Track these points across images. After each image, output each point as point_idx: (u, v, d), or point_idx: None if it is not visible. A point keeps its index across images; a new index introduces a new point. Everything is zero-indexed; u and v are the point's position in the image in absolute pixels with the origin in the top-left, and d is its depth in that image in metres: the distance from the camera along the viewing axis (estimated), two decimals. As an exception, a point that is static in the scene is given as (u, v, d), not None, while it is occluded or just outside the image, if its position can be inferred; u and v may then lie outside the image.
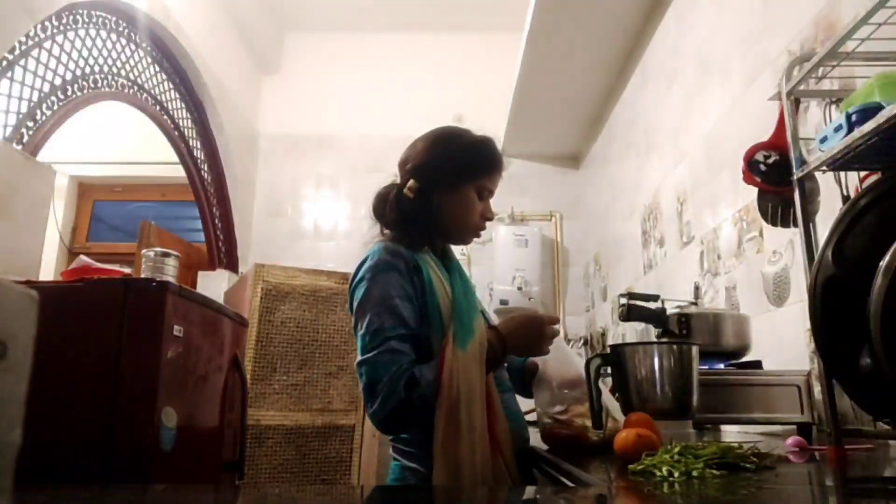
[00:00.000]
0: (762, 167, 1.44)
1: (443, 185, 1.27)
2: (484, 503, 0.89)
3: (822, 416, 1.22)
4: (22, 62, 2.36)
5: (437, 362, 1.10)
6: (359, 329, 1.14)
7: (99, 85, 2.86)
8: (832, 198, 1.27)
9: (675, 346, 1.20)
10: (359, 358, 1.12)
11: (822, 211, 1.36)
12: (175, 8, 3.34)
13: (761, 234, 1.91)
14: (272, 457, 2.81)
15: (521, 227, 4.40)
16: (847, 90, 1.28)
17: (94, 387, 1.54)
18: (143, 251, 2.09)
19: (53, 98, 2.53)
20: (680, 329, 1.58)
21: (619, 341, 3.21)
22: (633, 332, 3.08)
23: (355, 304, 1.17)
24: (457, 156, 1.28)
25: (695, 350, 1.20)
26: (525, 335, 1.21)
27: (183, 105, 3.67)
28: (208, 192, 3.92)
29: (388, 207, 1.28)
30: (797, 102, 1.35)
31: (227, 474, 2.05)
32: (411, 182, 1.27)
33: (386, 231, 1.29)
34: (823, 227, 1.06)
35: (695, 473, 0.77)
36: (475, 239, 1.34)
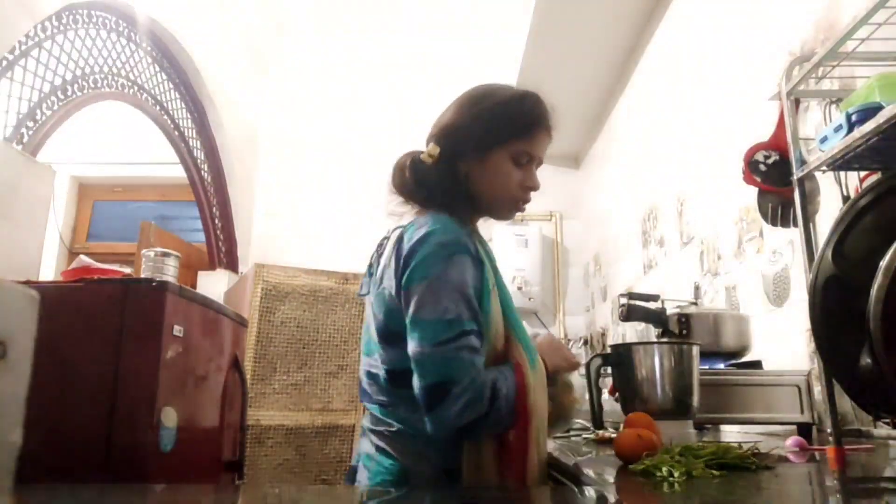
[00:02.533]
0: (762, 167, 1.44)
1: (469, 153, 1.08)
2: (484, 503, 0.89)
3: (822, 416, 1.22)
4: (22, 62, 2.36)
5: (514, 378, 0.96)
6: (424, 312, 0.93)
7: (99, 85, 2.86)
8: (832, 198, 1.27)
9: (675, 346, 1.20)
10: (425, 347, 0.92)
11: (822, 211, 1.36)
12: (175, 8, 3.34)
13: (761, 234, 1.91)
14: (272, 457, 2.81)
15: (521, 227, 4.40)
16: (847, 90, 1.28)
17: (94, 387, 1.54)
18: (143, 251, 2.09)
19: (53, 98, 2.53)
20: (680, 329, 1.58)
21: (619, 341, 3.21)
22: (633, 332, 3.08)
23: (421, 281, 0.95)
24: (486, 116, 1.08)
25: (695, 350, 1.20)
26: (558, 357, 1.11)
27: (183, 105, 3.67)
28: (208, 192, 3.92)
29: (409, 175, 1.10)
30: (797, 102, 1.35)
31: (227, 474, 2.05)
32: (431, 146, 1.09)
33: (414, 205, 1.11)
34: (823, 227, 1.06)
35: (695, 473, 0.77)
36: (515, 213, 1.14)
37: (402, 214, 1.14)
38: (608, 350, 1.25)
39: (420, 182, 1.09)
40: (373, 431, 1.03)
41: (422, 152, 1.11)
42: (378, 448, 1.01)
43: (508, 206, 1.11)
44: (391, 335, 0.99)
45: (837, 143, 1.00)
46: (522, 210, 1.13)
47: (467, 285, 0.96)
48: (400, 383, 0.98)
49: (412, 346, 0.94)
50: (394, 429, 1.00)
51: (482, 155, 1.08)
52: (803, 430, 1.36)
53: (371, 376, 1.04)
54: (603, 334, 3.83)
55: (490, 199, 1.10)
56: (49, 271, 3.88)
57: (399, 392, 0.99)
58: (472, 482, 0.94)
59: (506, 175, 1.08)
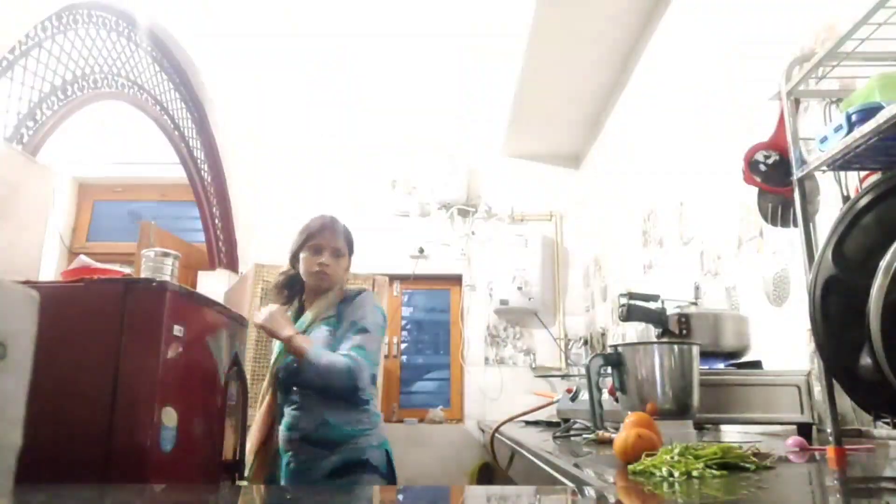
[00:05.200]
0: (762, 167, 1.44)
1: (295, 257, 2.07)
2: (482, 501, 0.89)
3: (822, 416, 1.22)
4: (22, 62, 2.36)
5: None
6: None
7: (99, 85, 2.86)
8: (832, 198, 1.27)
9: (675, 346, 1.20)
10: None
11: (822, 211, 1.36)
12: (175, 8, 3.34)
13: (761, 234, 1.91)
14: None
15: (521, 227, 4.40)
16: (847, 90, 1.28)
17: (94, 387, 1.54)
18: (143, 251, 2.08)
19: (53, 98, 2.53)
20: (680, 329, 1.58)
21: (619, 341, 3.21)
22: (633, 332, 3.09)
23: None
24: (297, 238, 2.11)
25: (695, 350, 1.20)
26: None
27: (183, 105, 3.67)
28: (208, 192, 3.92)
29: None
30: (797, 102, 1.35)
31: (226, 474, 2.05)
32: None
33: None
34: (823, 227, 1.06)
35: (695, 473, 0.77)
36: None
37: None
38: (608, 350, 1.25)
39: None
40: None
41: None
42: None
43: (310, 279, 1.97)
44: None
45: (837, 143, 1.00)
46: (320, 280, 1.96)
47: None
48: None
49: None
50: None
51: (298, 256, 2.05)
52: (803, 430, 1.36)
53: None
54: (603, 334, 3.83)
55: (305, 276, 1.99)
56: (49, 271, 3.88)
57: None
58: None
59: (307, 263, 1.98)
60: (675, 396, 1.16)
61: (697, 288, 2.36)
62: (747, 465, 0.84)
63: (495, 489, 1.52)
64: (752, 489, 0.72)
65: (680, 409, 1.16)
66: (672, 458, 0.82)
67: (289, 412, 1.88)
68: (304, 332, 1.85)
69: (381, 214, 4.45)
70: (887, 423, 1.01)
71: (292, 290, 2.05)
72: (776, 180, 1.41)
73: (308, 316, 1.92)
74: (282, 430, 1.88)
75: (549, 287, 4.37)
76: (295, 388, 1.87)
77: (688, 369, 1.18)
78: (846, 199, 1.13)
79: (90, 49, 2.80)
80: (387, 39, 4.69)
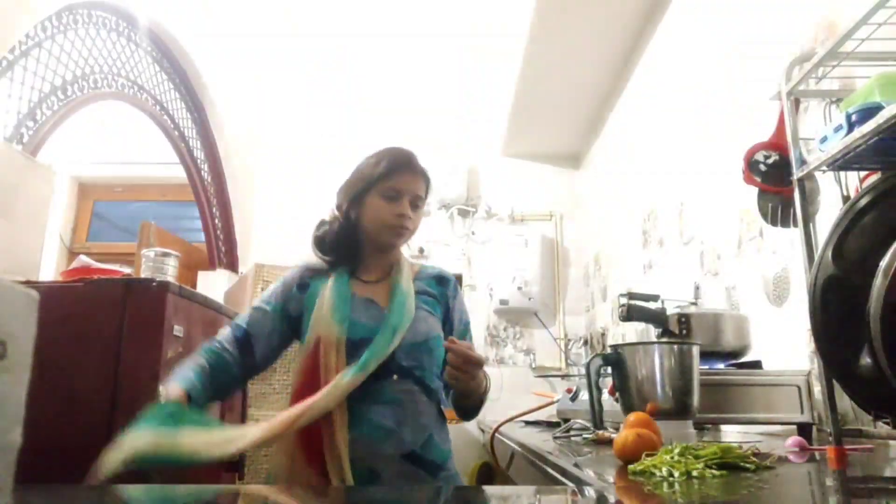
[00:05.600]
0: (762, 167, 1.44)
1: (358, 200, 1.49)
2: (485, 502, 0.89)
3: (822, 416, 1.22)
4: (22, 62, 2.36)
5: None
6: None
7: (99, 85, 2.86)
8: (832, 198, 1.27)
9: (675, 346, 1.20)
10: None
11: (822, 211, 1.36)
12: (175, 8, 3.34)
13: (761, 234, 1.91)
14: (272, 457, 2.80)
15: (521, 227, 4.40)
16: (847, 90, 1.28)
17: (94, 387, 1.54)
18: (143, 251, 2.09)
19: (53, 98, 2.53)
20: (680, 329, 1.58)
21: (619, 341, 3.21)
22: (633, 332, 3.09)
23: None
24: (357, 176, 1.52)
25: (695, 350, 1.20)
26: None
27: (183, 105, 3.67)
28: (208, 192, 3.92)
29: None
30: (797, 102, 1.35)
31: (227, 474, 2.05)
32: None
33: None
34: (823, 227, 1.06)
35: (695, 473, 0.77)
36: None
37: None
38: (608, 350, 1.25)
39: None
40: None
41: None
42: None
43: (386, 232, 1.40)
44: None
45: (837, 143, 1.00)
46: (399, 237, 1.41)
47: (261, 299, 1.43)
48: None
49: None
50: None
51: (363, 200, 1.46)
52: (803, 430, 1.36)
53: None
54: (603, 334, 3.83)
55: (374, 228, 1.42)
56: (49, 271, 3.88)
57: None
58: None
59: (380, 210, 1.40)
60: (675, 396, 1.16)
61: (697, 288, 2.36)
62: (747, 465, 0.84)
63: (495, 489, 1.52)
64: (752, 489, 0.72)
65: (680, 409, 1.16)
66: (672, 458, 0.82)
67: (379, 413, 1.26)
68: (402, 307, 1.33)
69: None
70: (887, 423, 1.01)
71: (342, 250, 1.43)
72: (776, 180, 1.41)
73: (400, 286, 1.36)
74: (359, 433, 1.24)
75: (549, 287, 4.37)
76: (396, 378, 1.28)
77: (688, 369, 1.18)
78: (846, 199, 1.13)
79: (90, 49, 2.80)
80: (387, 39, 4.69)
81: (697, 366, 1.20)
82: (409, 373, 1.29)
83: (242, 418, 2.19)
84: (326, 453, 1.22)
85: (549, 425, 2.10)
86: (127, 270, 2.08)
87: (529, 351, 4.32)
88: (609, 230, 3.79)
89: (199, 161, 3.83)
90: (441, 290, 1.47)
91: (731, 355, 1.60)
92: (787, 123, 1.20)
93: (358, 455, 1.22)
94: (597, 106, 3.86)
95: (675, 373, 1.17)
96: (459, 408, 1.37)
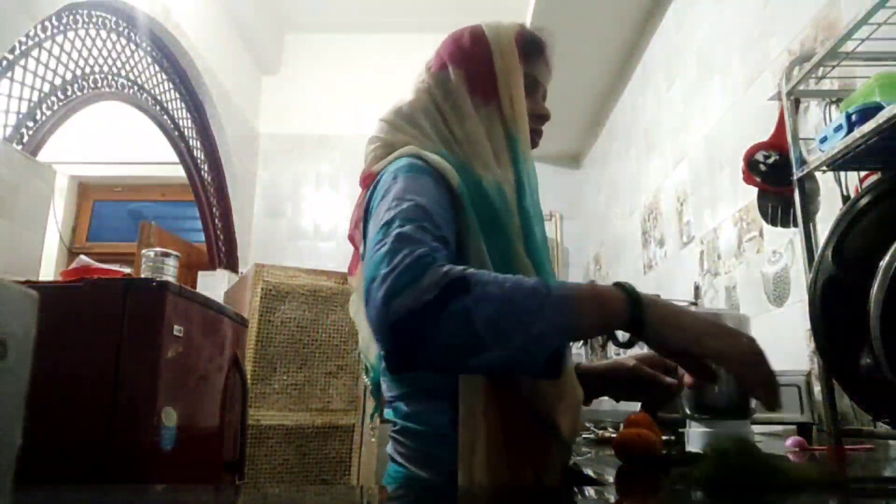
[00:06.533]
0: (762, 167, 1.44)
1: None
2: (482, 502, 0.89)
3: (822, 416, 1.22)
4: (22, 62, 2.36)
5: (547, 286, 0.65)
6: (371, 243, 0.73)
7: (99, 85, 2.86)
8: (832, 198, 1.27)
9: None
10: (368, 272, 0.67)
11: (822, 211, 1.36)
12: (175, 8, 3.34)
13: (761, 234, 1.91)
14: (272, 457, 2.80)
15: (521, 227, 4.39)
16: (847, 90, 1.28)
17: (94, 387, 1.54)
18: (143, 251, 2.09)
19: (53, 98, 2.53)
20: (680, 329, 1.57)
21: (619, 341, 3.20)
22: (633, 332, 3.08)
23: (373, 221, 0.80)
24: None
25: None
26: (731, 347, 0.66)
27: (183, 105, 3.66)
28: (208, 192, 3.92)
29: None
30: (797, 102, 1.35)
31: (227, 474, 2.05)
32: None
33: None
34: (823, 227, 1.06)
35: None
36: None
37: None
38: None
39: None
40: (389, 436, 0.88)
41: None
42: (391, 453, 0.86)
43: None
44: None
45: (837, 143, 1.00)
46: (536, 144, 1.00)
47: (417, 193, 0.74)
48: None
49: None
50: (397, 427, 0.84)
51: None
52: (803, 430, 1.36)
53: (383, 372, 0.89)
54: (603, 334, 3.82)
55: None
56: (49, 271, 3.88)
57: (397, 382, 0.84)
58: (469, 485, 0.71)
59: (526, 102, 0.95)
60: (731, 395, 1.14)
61: (697, 288, 2.36)
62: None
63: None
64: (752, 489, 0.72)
65: (737, 409, 1.14)
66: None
67: None
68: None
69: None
70: (887, 423, 1.01)
71: None
72: (776, 180, 1.41)
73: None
74: None
75: (549, 287, 4.36)
76: None
77: None
78: (846, 199, 1.13)
79: (90, 49, 2.80)
80: (386, 37, 4.69)
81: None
82: None
83: (243, 418, 2.19)
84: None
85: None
86: (127, 270, 2.07)
87: (529, 351, 4.32)
88: (609, 230, 3.79)
89: (199, 161, 3.82)
90: None
91: (731, 355, 1.60)
92: (787, 123, 1.20)
93: None
94: (597, 106, 3.86)
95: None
96: None
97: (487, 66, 0.96)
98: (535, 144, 0.99)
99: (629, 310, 0.65)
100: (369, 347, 0.92)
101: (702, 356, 0.67)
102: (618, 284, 0.67)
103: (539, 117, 1.01)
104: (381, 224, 0.70)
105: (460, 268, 0.64)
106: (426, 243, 0.66)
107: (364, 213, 0.83)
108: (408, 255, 0.63)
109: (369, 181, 0.88)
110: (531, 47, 1.03)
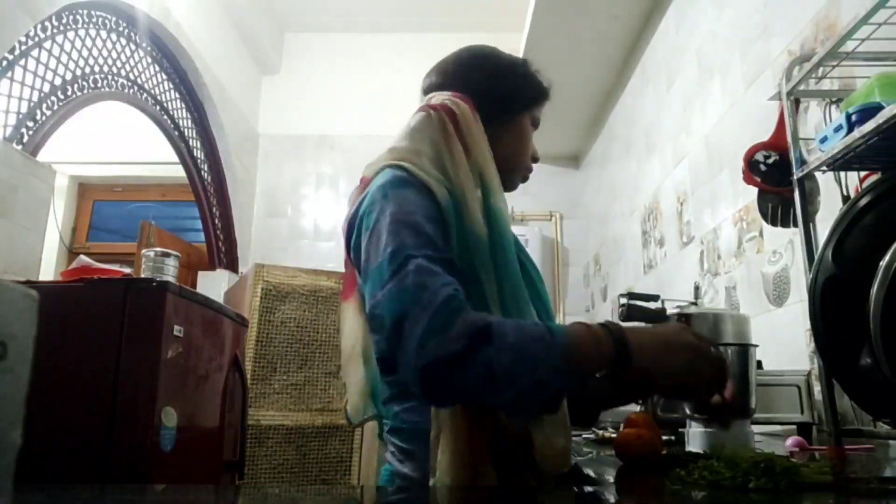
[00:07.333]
0: (762, 167, 1.44)
1: (500, 115, 0.99)
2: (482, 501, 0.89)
3: (822, 416, 1.22)
4: (22, 62, 2.36)
5: (549, 333, 0.70)
6: (370, 263, 0.77)
7: (99, 85, 2.86)
8: (832, 198, 1.27)
9: (738, 348, 1.17)
10: (376, 296, 0.73)
11: (822, 211, 1.36)
12: (175, 8, 3.34)
13: (761, 234, 1.91)
14: (272, 457, 2.81)
15: (521, 227, 4.40)
16: (847, 90, 1.28)
17: (94, 387, 1.54)
18: (143, 251, 2.09)
19: (53, 98, 2.53)
20: (680, 329, 1.57)
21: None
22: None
23: (364, 234, 0.83)
24: (518, 79, 1.04)
25: (752, 351, 1.18)
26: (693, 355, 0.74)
27: (183, 105, 3.66)
28: (208, 192, 3.92)
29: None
30: (797, 102, 1.35)
31: (227, 474, 2.05)
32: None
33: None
34: (823, 227, 1.06)
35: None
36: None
37: None
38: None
39: None
40: (385, 436, 0.90)
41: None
42: (385, 452, 0.88)
43: (520, 174, 1.04)
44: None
45: (837, 143, 1.00)
46: (525, 181, 1.07)
47: (411, 213, 0.78)
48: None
49: (367, 306, 0.76)
50: (388, 427, 0.86)
51: (512, 118, 1.01)
52: (803, 430, 1.36)
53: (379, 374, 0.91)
54: (603, 334, 3.82)
55: (511, 164, 1.01)
56: (49, 271, 3.88)
57: (388, 384, 0.86)
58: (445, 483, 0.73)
59: (528, 141, 1.02)
60: (736, 397, 1.14)
61: (697, 288, 2.36)
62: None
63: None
64: (752, 489, 0.72)
65: (740, 410, 1.14)
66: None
67: None
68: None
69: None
70: (887, 423, 1.01)
71: None
72: (776, 180, 1.41)
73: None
74: None
75: (549, 287, 4.35)
76: None
77: (746, 370, 1.16)
78: (846, 199, 1.13)
79: (90, 49, 2.80)
80: (386, 37, 4.69)
81: (754, 367, 1.18)
82: None
83: (243, 418, 2.19)
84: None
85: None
86: (127, 270, 2.07)
87: (529, 351, 4.32)
88: (609, 230, 3.79)
89: (199, 161, 3.82)
90: None
91: (731, 355, 1.60)
92: (787, 123, 1.20)
93: None
94: (597, 106, 3.86)
95: (737, 374, 1.14)
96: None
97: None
98: (524, 180, 1.07)
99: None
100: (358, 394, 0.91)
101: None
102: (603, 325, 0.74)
103: (534, 159, 1.06)
104: (389, 253, 0.74)
105: (482, 316, 0.70)
106: (442, 277, 0.72)
107: (353, 228, 0.87)
108: (434, 295, 0.69)
109: (362, 187, 0.93)
110: (536, 92, 1.05)
